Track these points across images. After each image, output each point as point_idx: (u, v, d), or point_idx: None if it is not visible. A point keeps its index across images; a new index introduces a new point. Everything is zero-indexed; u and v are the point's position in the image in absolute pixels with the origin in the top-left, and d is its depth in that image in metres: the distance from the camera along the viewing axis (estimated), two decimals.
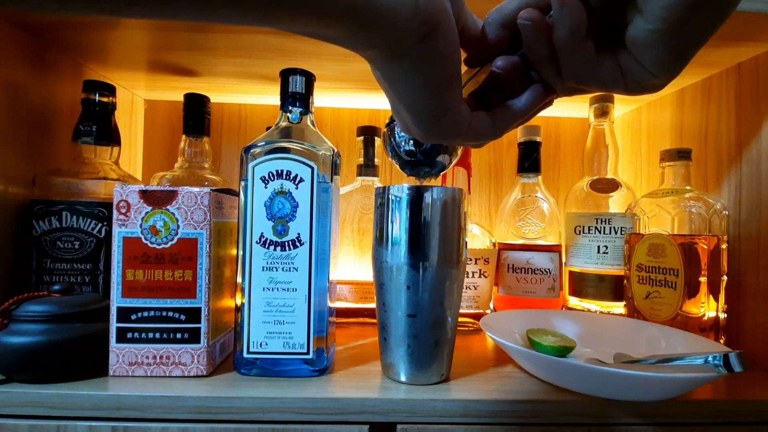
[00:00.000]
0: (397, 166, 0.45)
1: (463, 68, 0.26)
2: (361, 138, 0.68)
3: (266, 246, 0.43)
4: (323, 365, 0.44)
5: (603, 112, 0.68)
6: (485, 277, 0.63)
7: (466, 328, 0.63)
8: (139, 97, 0.79)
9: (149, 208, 0.42)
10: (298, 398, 0.38)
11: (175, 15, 0.19)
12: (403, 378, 0.42)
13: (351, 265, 0.66)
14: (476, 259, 0.63)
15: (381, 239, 0.43)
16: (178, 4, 0.18)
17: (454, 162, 0.43)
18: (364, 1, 0.20)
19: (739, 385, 0.45)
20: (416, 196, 0.42)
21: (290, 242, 0.43)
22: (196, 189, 0.43)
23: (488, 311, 0.64)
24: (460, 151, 0.45)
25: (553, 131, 0.87)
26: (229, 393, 0.39)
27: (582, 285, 0.66)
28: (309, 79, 0.47)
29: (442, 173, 0.45)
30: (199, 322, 0.42)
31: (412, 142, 0.42)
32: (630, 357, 0.45)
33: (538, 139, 0.68)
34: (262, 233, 0.43)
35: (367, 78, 0.67)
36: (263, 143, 0.43)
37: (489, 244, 0.65)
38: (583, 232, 0.66)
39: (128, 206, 0.42)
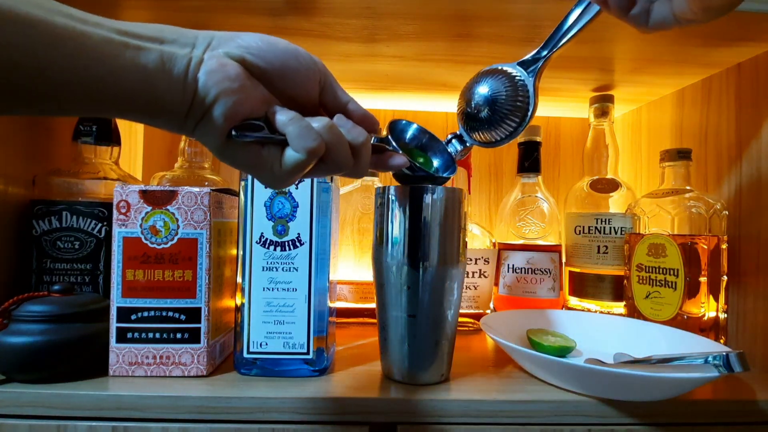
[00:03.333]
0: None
1: None
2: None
3: (266, 246, 0.43)
4: (323, 365, 0.44)
5: (603, 112, 0.68)
6: (485, 277, 0.63)
7: (466, 328, 0.63)
8: None
9: (149, 208, 0.42)
10: (298, 398, 0.38)
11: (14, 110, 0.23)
12: (403, 378, 0.42)
13: (351, 265, 0.66)
14: (476, 259, 0.63)
15: (381, 239, 0.43)
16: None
17: (453, 174, 0.42)
18: (147, 110, 0.25)
19: (739, 385, 0.45)
20: (416, 196, 0.42)
21: (290, 242, 0.43)
22: (196, 189, 0.43)
23: (488, 311, 0.64)
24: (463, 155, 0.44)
25: (553, 131, 0.87)
26: (229, 393, 0.39)
27: (582, 285, 0.66)
28: None
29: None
30: (199, 322, 0.42)
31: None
32: (630, 357, 0.45)
33: (538, 139, 0.68)
34: (262, 233, 0.43)
35: (368, 78, 0.67)
36: None
37: (489, 244, 0.65)
38: (583, 232, 0.66)
39: (128, 206, 0.42)
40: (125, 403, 0.38)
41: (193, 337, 0.42)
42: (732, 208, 0.55)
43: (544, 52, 0.39)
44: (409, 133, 0.41)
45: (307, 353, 0.43)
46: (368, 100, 0.78)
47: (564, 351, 0.48)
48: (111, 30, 0.23)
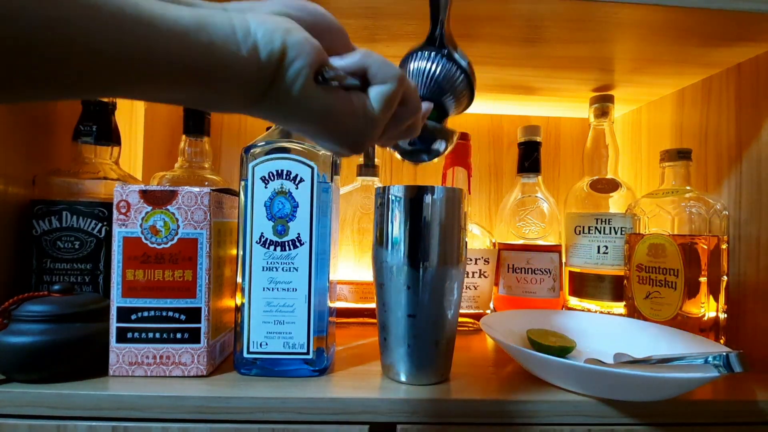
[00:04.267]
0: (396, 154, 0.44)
1: None
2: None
3: (266, 246, 0.43)
4: (323, 365, 0.44)
5: (603, 112, 0.68)
6: (485, 277, 0.63)
7: (466, 328, 0.63)
8: None
9: (149, 208, 0.42)
10: (298, 398, 0.38)
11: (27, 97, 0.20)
12: (403, 378, 0.42)
13: (351, 265, 0.66)
14: (476, 259, 0.63)
15: (381, 239, 0.43)
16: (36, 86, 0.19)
17: (450, 147, 0.42)
18: (206, 70, 0.21)
19: (739, 385, 0.45)
20: (416, 196, 0.42)
21: (290, 242, 0.43)
22: (196, 189, 0.43)
23: (488, 311, 0.64)
24: (456, 138, 0.44)
25: (553, 131, 0.87)
26: (229, 393, 0.39)
27: (582, 285, 0.66)
28: None
29: (437, 157, 0.45)
30: (199, 322, 0.42)
31: None
32: (630, 357, 0.45)
33: (538, 139, 0.68)
34: (262, 233, 0.43)
35: None
36: (263, 143, 0.43)
37: (489, 244, 0.65)
38: (583, 232, 0.66)
39: (128, 206, 0.42)
40: (125, 403, 0.38)
41: (193, 337, 0.42)
42: (732, 208, 0.55)
43: (441, 16, 0.41)
44: None
45: (307, 353, 0.43)
46: None
47: (564, 351, 0.48)
48: (172, 10, 0.21)
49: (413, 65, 0.41)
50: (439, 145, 0.40)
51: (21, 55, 0.17)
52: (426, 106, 0.32)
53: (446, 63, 0.40)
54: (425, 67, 0.41)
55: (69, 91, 0.20)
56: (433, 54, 0.41)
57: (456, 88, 0.41)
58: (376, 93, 0.25)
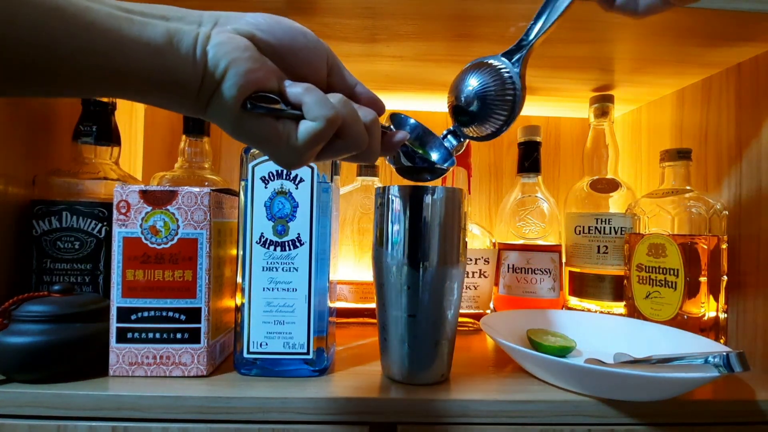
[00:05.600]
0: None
1: None
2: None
3: (266, 246, 0.43)
4: (323, 365, 0.44)
5: (603, 112, 0.68)
6: (485, 277, 0.63)
7: (466, 328, 0.63)
8: None
9: (149, 208, 0.42)
10: (298, 398, 0.38)
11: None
12: (403, 378, 0.42)
13: (351, 265, 0.66)
14: (476, 259, 0.63)
15: (381, 239, 0.43)
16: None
17: (452, 166, 0.42)
18: (165, 81, 0.24)
19: (739, 385, 0.45)
20: (416, 196, 0.42)
21: (290, 242, 0.43)
22: (196, 189, 0.43)
23: (488, 311, 0.64)
24: (445, 169, 0.43)
25: (553, 131, 0.87)
26: (229, 393, 0.39)
27: (582, 285, 0.66)
28: None
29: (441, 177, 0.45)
30: (199, 322, 0.42)
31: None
32: (630, 357, 0.45)
33: (538, 139, 0.68)
34: (262, 233, 0.43)
35: (368, 78, 0.67)
36: None
37: (489, 244, 0.65)
38: (583, 232, 0.66)
39: (128, 206, 0.42)
40: (125, 403, 0.38)
41: (193, 337, 0.42)
42: (732, 208, 0.55)
43: (529, 38, 0.39)
44: (408, 127, 0.41)
45: (307, 353, 0.43)
46: None
47: (564, 351, 0.48)
48: (113, 7, 0.23)
49: (469, 67, 0.41)
50: (427, 175, 0.40)
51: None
52: (401, 136, 0.33)
53: (486, 83, 0.39)
54: (466, 74, 0.40)
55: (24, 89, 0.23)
56: (485, 67, 0.40)
57: (484, 113, 0.39)
58: (303, 128, 0.27)
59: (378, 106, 0.32)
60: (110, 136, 0.56)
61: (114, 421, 0.38)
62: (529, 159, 0.68)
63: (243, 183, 0.43)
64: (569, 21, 0.48)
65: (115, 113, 0.57)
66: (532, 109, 0.82)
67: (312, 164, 0.43)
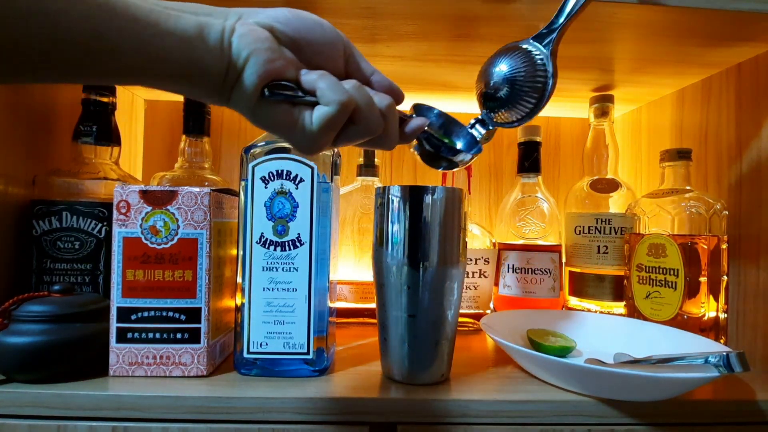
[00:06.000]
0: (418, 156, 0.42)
1: None
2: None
3: (266, 246, 0.43)
4: (323, 365, 0.44)
5: (603, 112, 0.68)
6: (485, 277, 0.63)
7: (466, 328, 0.63)
8: (139, 97, 0.79)
9: (149, 208, 0.42)
10: (298, 398, 0.38)
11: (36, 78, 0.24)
12: (403, 378, 0.42)
13: (351, 265, 0.66)
14: (476, 259, 0.63)
15: (381, 239, 0.43)
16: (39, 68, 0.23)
17: (478, 153, 0.40)
18: (192, 71, 0.26)
19: (739, 385, 0.45)
20: (416, 196, 0.42)
21: (290, 242, 0.43)
22: (196, 189, 0.43)
23: (488, 311, 0.64)
24: (470, 157, 0.41)
25: (553, 131, 0.87)
26: (229, 393, 0.39)
27: (582, 285, 0.66)
28: None
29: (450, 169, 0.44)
30: (199, 322, 0.42)
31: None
32: (630, 357, 0.45)
33: (538, 139, 0.68)
34: (262, 233, 0.43)
35: None
36: (263, 143, 0.43)
37: (489, 244, 0.65)
38: (583, 232, 0.66)
39: (128, 206, 0.42)
40: (125, 403, 0.38)
41: (193, 337, 0.42)
42: (732, 208, 0.55)
43: (559, 21, 0.39)
44: (432, 116, 0.40)
45: (307, 353, 0.43)
46: None
47: (564, 351, 0.48)
48: (151, 3, 0.25)
49: (499, 52, 0.40)
50: (448, 163, 0.39)
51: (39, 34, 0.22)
52: (419, 122, 0.33)
53: (517, 66, 0.39)
54: (495, 59, 0.40)
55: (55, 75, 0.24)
56: (515, 51, 0.39)
57: (512, 97, 0.39)
58: (317, 113, 0.28)
59: (396, 94, 0.32)
60: (110, 136, 0.56)
61: (114, 421, 0.38)
62: (529, 159, 0.68)
63: (243, 183, 0.43)
64: None
65: (115, 113, 0.57)
66: None
67: (313, 164, 0.43)
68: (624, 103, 0.75)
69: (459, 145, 0.40)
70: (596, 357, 0.46)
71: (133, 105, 0.78)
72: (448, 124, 0.40)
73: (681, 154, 0.58)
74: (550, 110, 0.83)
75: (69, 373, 0.40)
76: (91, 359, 0.42)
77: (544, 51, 0.39)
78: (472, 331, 0.62)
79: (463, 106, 0.80)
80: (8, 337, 0.39)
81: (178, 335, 0.42)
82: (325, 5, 0.46)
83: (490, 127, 0.41)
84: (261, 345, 0.43)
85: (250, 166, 0.43)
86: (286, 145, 0.43)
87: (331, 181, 0.45)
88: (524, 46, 0.39)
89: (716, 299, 0.52)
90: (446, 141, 0.39)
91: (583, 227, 0.65)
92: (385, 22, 0.49)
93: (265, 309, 0.43)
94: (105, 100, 0.56)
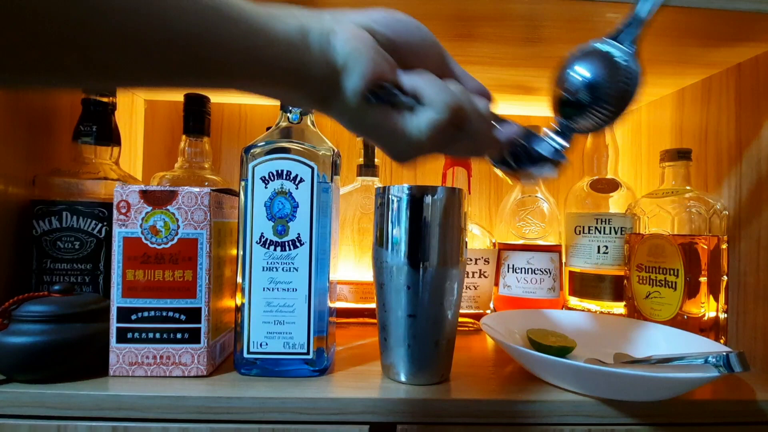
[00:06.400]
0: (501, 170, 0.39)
1: None
2: (362, 138, 0.68)
3: (266, 246, 0.43)
4: (323, 365, 0.44)
5: None
6: (485, 277, 0.63)
7: (466, 328, 0.63)
8: (139, 97, 0.79)
9: (149, 208, 0.42)
10: (298, 398, 0.38)
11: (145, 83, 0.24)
12: (403, 378, 0.42)
13: (351, 265, 0.66)
14: (476, 259, 0.63)
15: (381, 239, 0.43)
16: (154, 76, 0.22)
17: (548, 175, 0.38)
18: (292, 73, 0.25)
19: (739, 385, 0.45)
20: (416, 197, 0.42)
21: (290, 242, 0.43)
22: (196, 189, 0.43)
23: (488, 311, 0.64)
24: (557, 167, 0.38)
25: None
26: (229, 393, 0.39)
27: (582, 285, 0.66)
28: None
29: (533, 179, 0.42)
30: (199, 322, 0.42)
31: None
32: (630, 357, 0.46)
33: None
34: (262, 233, 0.43)
35: None
36: (263, 143, 0.43)
37: (489, 244, 0.65)
38: (583, 232, 0.66)
39: (128, 206, 0.42)
40: (125, 403, 0.38)
41: (194, 337, 0.42)
42: (732, 208, 0.55)
43: (641, 15, 0.36)
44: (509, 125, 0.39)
45: (307, 353, 0.43)
46: None
47: (564, 351, 0.48)
48: (255, 5, 0.24)
49: (576, 55, 0.38)
50: (540, 168, 0.36)
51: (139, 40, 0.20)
52: (513, 130, 0.31)
53: (599, 70, 0.36)
54: (573, 62, 0.37)
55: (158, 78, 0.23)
56: (594, 52, 0.37)
57: (594, 104, 0.36)
58: (423, 118, 0.26)
59: (486, 93, 0.31)
60: (110, 136, 0.56)
61: (114, 421, 0.38)
62: None
63: (243, 183, 0.43)
64: (569, 21, 0.48)
65: (115, 113, 0.57)
66: (532, 109, 0.82)
67: (313, 164, 0.43)
68: None
69: (543, 154, 0.37)
70: (596, 357, 0.46)
71: (133, 105, 0.78)
72: (528, 133, 0.38)
73: (681, 154, 0.58)
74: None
75: (69, 373, 0.40)
76: (91, 359, 0.42)
77: (628, 51, 0.36)
78: (472, 331, 0.62)
79: None
80: (8, 337, 0.39)
81: (178, 335, 0.42)
82: (325, 5, 0.46)
83: (569, 135, 0.38)
84: (261, 345, 0.43)
85: (250, 166, 0.43)
86: (286, 145, 0.43)
87: (331, 181, 0.45)
88: (604, 47, 0.37)
89: (716, 299, 0.52)
90: (532, 153, 0.37)
91: (583, 227, 0.65)
92: None
93: (265, 309, 0.43)
94: (105, 100, 0.56)
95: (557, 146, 0.37)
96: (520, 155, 0.34)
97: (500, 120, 0.33)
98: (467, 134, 0.28)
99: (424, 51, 0.29)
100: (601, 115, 0.36)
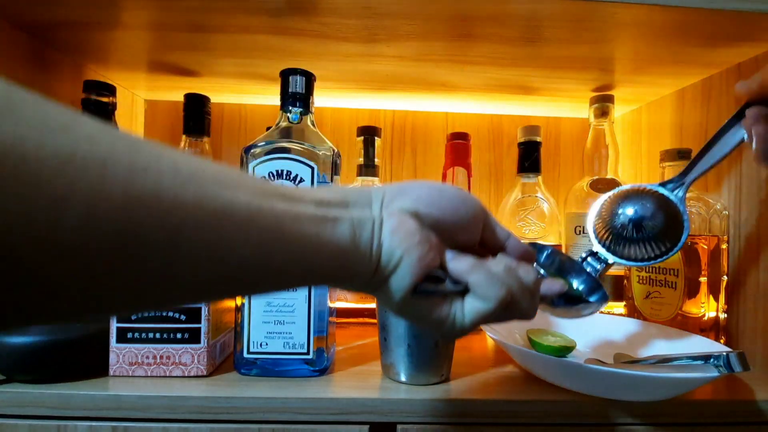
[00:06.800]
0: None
1: None
2: (361, 138, 0.68)
3: None
4: (323, 365, 0.44)
5: (603, 112, 0.68)
6: None
7: None
8: (139, 97, 0.79)
9: None
10: (298, 398, 0.38)
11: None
12: (403, 378, 0.42)
13: None
14: None
15: None
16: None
17: (605, 301, 0.38)
18: (340, 275, 0.25)
19: (739, 385, 0.45)
20: None
21: None
22: None
23: None
24: (598, 306, 0.39)
25: (553, 131, 0.87)
26: (229, 393, 0.39)
27: None
28: (309, 79, 0.47)
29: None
30: (200, 322, 0.42)
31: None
32: (630, 357, 0.45)
33: (538, 139, 0.68)
34: None
35: (367, 78, 0.67)
36: (263, 143, 0.43)
37: None
38: (583, 232, 0.65)
39: None
40: (125, 403, 0.38)
41: (194, 337, 0.42)
42: (732, 208, 0.55)
43: (690, 177, 0.41)
44: (543, 257, 0.38)
45: (307, 353, 0.43)
46: (368, 100, 0.78)
47: (564, 351, 0.48)
48: (311, 202, 0.23)
49: (628, 194, 0.41)
50: (579, 310, 0.37)
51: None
52: (559, 287, 0.31)
53: (646, 205, 0.39)
54: (619, 196, 0.40)
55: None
56: (645, 199, 0.40)
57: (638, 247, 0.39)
58: (470, 308, 0.27)
59: (530, 257, 0.31)
60: None
61: (114, 421, 0.38)
62: (529, 159, 0.68)
63: None
64: (569, 21, 0.48)
65: (115, 113, 0.57)
66: (532, 109, 0.82)
67: (313, 164, 0.43)
68: (624, 103, 0.75)
69: (575, 285, 0.38)
70: (596, 357, 0.46)
71: (133, 105, 0.78)
72: (561, 262, 0.39)
73: (681, 154, 0.58)
74: (550, 110, 0.83)
75: (69, 373, 0.40)
76: (91, 359, 0.42)
77: (677, 197, 0.40)
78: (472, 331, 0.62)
79: (463, 106, 0.80)
80: (8, 337, 0.39)
81: (178, 335, 0.42)
82: (325, 5, 0.46)
83: (609, 261, 0.40)
84: (261, 345, 0.43)
85: (250, 166, 0.43)
86: (286, 144, 0.43)
87: (331, 181, 0.45)
88: (655, 190, 0.41)
89: (716, 299, 0.52)
90: (575, 294, 0.37)
91: (583, 227, 0.65)
92: (385, 22, 0.49)
93: (265, 309, 0.43)
94: (105, 100, 0.56)
95: (591, 271, 0.39)
96: (564, 301, 0.34)
97: (541, 274, 0.33)
98: (516, 313, 0.28)
99: (470, 224, 0.28)
100: (649, 249, 0.39)
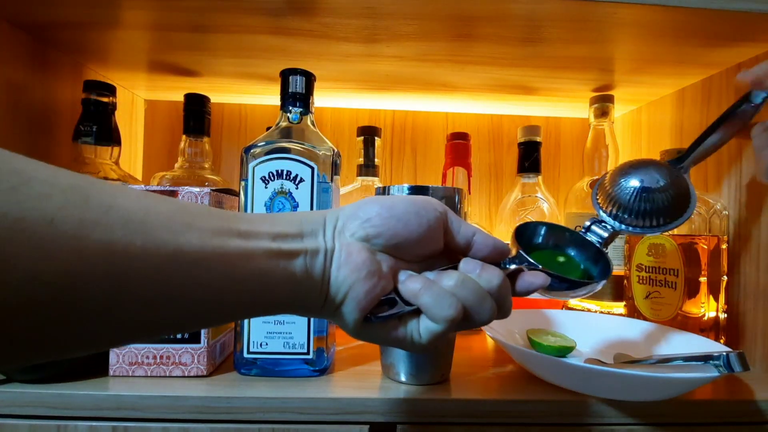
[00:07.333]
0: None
1: None
2: (361, 138, 0.68)
3: None
4: (323, 365, 0.44)
5: (603, 112, 0.68)
6: None
7: None
8: (139, 97, 0.79)
9: None
10: (298, 398, 0.38)
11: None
12: (403, 378, 0.42)
13: None
14: None
15: None
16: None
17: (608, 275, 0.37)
18: (295, 304, 0.26)
19: (739, 385, 0.45)
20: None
21: None
22: (197, 189, 0.43)
23: None
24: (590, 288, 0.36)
25: (553, 131, 0.87)
26: (229, 393, 0.39)
27: None
28: (309, 79, 0.47)
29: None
30: None
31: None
32: (630, 357, 0.45)
33: (538, 139, 0.68)
34: None
35: (367, 78, 0.67)
36: (263, 143, 0.43)
37: None
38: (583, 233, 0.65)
39: None
40: (125, 403, 0.38)
41: (193, 337, 0.42)
42: (732, 208, 0.55)
43: (687, 160, 0.42)
44: (540, 235, 0.38)
45: (307, 353, 0.43)
46: (368, 100, 0.78)
47: (564, 351, 0.48)
48: (267, 236, 0.24)
49: (629, 170, 0.40)
50: (572, 291, 0.34)
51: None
52: (541, 280, 0.30)
53: (640, 193, 0.39)
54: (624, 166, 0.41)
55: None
56: (650, 170, 0.40)
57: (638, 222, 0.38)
58: (424, 328, 0.27)
59: (501, 252, 0.30)
60: (110, 136, 0.56)
61: (114, 421, 0.38)
62: (529, 159, 0.68)
63: (243, 183, 0.43)
64: (569, 21, 0.48)
65: (115, 113, 0.57)
66: (532, 109, 0.82)
67: (313, 164, 0.43)
68: (624, 103, 0.75)
69: (578, 260, 0.37)
70: (596, 357, 0.46)
71: (133, 105, 0.78)
72: (561, 236, 0.38)
73: (681, 154, 0.58)
74: (550, 110, 0.83)
75: (69, 373, 0.40)
76: (91, 359, 0.42)
77: (678, 167, 0.42)
78: (472, 331, 0.62)
79: (463, 106, 0.80)
80: None
81: (178, 335, 0.42)
82: (325, 5, 0.46)
83: (613, 228, 0.39)
84: (261, 345, 0.43)
85: (250, 166, 0.43)
86: (286, 144, 0.43)
87: (331, 181, 0.45)
88: (661, 163, 0.41)
89: (716, 299, 0.52)
90: (562, 260, 0.37)
91: (584, 227, 0.65)
92: (385, 22, 0.49)
93: None
94: (105, 100, 0.56)
95: (595, 240, 0.38)
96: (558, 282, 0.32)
97: (523, 264, 0.30)
98: (475, 322, 0.28)
99: (426, 236, 0.28)
100: (655, 218, 0.39)
